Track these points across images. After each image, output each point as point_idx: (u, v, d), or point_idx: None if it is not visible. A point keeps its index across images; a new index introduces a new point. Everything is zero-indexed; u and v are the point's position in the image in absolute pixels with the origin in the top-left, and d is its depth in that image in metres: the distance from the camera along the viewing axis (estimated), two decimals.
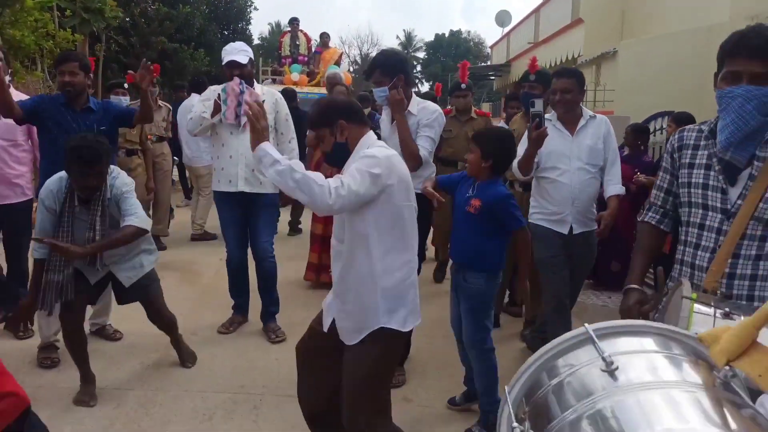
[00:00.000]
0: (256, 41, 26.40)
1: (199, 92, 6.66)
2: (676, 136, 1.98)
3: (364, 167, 2.01)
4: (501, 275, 2.83)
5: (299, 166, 1.99)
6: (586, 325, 1.08)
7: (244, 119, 3.64)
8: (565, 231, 3.22)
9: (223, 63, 3.74)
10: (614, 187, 3.26)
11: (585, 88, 3.36)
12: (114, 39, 15.54)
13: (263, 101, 3.69)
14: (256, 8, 23.13)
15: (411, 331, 2.27)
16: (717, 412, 0.90)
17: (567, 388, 1.06)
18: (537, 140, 2.89)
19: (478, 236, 2.69)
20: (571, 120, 3.24)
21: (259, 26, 46.42)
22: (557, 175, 3.20)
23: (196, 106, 3.87)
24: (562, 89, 3.20)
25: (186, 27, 18.29)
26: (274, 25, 41.42)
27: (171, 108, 6.78)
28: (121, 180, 2.99)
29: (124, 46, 16.40)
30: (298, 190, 1.95)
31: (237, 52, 3.73)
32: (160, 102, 6.62)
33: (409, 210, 2.16)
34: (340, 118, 2.13)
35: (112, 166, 3.03)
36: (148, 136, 5.53)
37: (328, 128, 2.15)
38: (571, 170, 3.18)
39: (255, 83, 3.86)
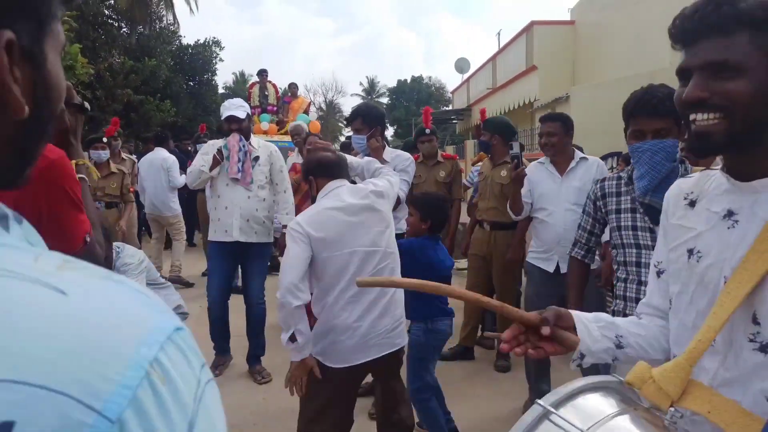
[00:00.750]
0: (221, 90, 26.68)
1: (163, 146, 6.88)
2: (598, 186, 2.29)
3: (287, 242, 2.36)
4: (443, 331, 2.85)
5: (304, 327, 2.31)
6: (537, 401, 0.95)
7: (249, 177, 3.86)
8: (551, 269, 3.32)
9: (222, 118, 3.97)
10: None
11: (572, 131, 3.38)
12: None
13: (258, 155, 3.94)
14: (221, 59, 23.51)
15: (343, 370, 2.38)
16: None
17: None
18: (516, 179, 3.14)
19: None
20: (561, 162, 3.33)
21: (224, 76, 46.84)
22: (545, 216, 3.34)
23: (196, 159, 4.04)
24: (547, 133, 3.29)
25: (152, 79, 18.48)
26: (238, 74, 42.04)
27: (135, 160, 6.88)
28: (121, 260, 2.98)
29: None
30: (290, 321, 2.29)
31: (235, 108, 3.95)
32: (123, 155, 6.70)
33: (340, 258, 2.35)
34: (309, 174, 2.56)
35: (120, 244, 3.10)
36: (131, 189, 5.60)
37: (307, 182, 2.61)
38: (558, 211, 3.27)
39: (252, 137, 4.04)
